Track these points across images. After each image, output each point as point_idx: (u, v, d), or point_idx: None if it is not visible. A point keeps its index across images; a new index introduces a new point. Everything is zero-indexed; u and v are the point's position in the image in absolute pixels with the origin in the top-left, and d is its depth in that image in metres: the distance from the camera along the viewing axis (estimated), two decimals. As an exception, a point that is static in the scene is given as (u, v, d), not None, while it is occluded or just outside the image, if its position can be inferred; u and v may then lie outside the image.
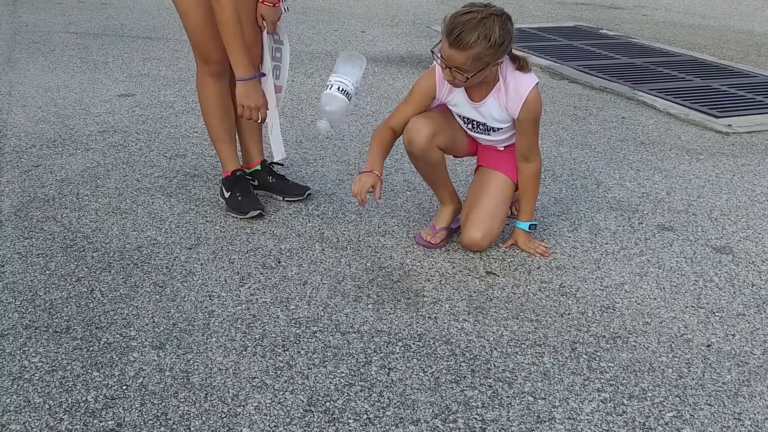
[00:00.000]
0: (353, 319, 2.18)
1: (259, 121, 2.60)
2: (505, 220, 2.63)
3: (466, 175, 3.24)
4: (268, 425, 1.74)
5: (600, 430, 1.77)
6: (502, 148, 2.61)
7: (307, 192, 2.95)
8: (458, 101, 2.50)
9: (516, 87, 2.38)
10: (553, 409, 1.83)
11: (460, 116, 2.56)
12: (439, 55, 2.30)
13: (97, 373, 1.90)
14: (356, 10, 7.45)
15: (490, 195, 2.56)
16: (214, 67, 2.66)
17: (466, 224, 2.56)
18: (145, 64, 4.95)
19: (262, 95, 2.55)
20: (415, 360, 2.00)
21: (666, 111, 4.37)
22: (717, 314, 2.29)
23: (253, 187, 2.90)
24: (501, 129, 2.51)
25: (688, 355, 2.08)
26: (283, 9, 2.72)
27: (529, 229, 2.61)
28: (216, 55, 2.61)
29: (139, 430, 1.72)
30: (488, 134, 2.55)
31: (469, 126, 2.56)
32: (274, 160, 2.93)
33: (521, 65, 2.39)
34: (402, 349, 2.05)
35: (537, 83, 2.40)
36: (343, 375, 1.93)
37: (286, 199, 2.93)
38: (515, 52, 2.38)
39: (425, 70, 2.62)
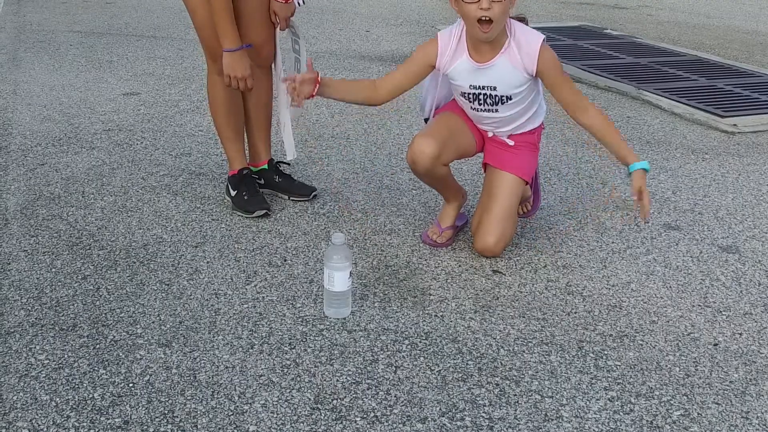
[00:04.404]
0: (360, 317, 2.18)
1: (246, 90, 2.62)
2: (517, 222, 2.61)
3: (471, 174, 3.24)
4: (275, 423, 1.74)
5: (607, 428, 1.77)
6: (512, 143, 2.57)
7: (313, 193, 2.95)
8: (462, 68, 2.42)
9: (528, 40, 2.38)
10: (560, 408, 1.83)
11: (464, 93, 2.48)
12: None
13: (104, 371, 1.90)
14: (361, 10, 7.45)
15: (501, 198, 2.52)
16: (222, 65, 2.66)
17: (478, 230, 2.54)
18: (149, 63, 4.95)
19: (248, 66, 2.57)
20: (421, 358, 2.00)
21: (671, 110, 4.36)
22: (724, 313, 2.28)
23: (259, 186, 2.89)
24: (511, 98, 2.44)
25: (695, 354, 2.07)
26: (297, 4, 2.71)
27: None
28: (223, 52, 2.61)
29: (146, 427, 1.71)
30: (496, 109, 2.47)
31: (476, 102, 2.48)
32: (286, 159, 2.92)
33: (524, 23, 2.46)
34: (409, 347, 2.05)
35: (544, 38, 2.40)
36: (350, 373, 1.93)
37: (291, 198, 2.93)
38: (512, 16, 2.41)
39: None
